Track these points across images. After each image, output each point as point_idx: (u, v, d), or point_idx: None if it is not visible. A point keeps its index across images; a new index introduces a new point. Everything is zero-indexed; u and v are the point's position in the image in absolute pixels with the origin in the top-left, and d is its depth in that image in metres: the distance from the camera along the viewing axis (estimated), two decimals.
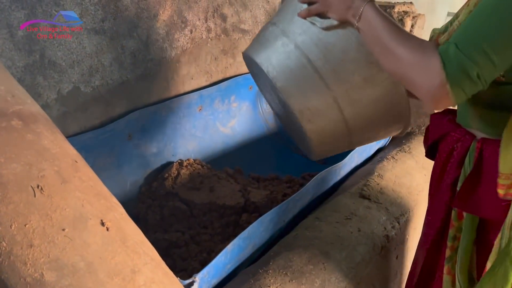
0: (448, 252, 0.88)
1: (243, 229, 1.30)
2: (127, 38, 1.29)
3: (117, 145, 1.30)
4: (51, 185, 0.68)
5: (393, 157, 1.49)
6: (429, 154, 0.98)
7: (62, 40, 1.12)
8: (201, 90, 1.60)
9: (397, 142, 1.63)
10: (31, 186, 0.67)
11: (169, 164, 1.49)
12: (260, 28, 1.88)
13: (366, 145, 1.46)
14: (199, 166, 1.53)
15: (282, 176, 1.68)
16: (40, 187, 0.67)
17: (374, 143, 1.51)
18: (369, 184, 1.28)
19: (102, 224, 0.69)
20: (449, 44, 0.69)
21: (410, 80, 0.72)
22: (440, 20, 3.87)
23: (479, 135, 0.84)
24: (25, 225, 0.63)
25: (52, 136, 0.76)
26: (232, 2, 1.68)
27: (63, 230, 0.65)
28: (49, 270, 0.61)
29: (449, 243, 0.87)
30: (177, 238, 1.23)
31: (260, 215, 1.32)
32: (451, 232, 0.87)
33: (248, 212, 1.33)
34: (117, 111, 1.32)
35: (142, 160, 1.41)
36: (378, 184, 1.29)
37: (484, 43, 0.67)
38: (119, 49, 1.28)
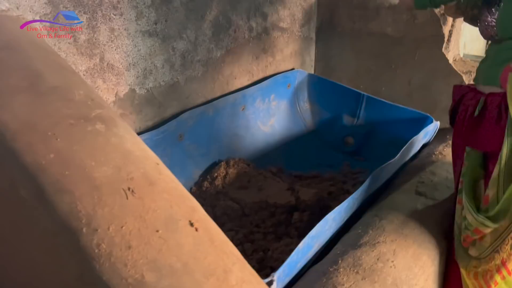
0: (460, 186, 1.02)
1: (296, 227, 1.31)
2: (177, 39, 1.30)
3: (169, 146, 1.32)
4: (140, 187, 0.69)
5: (440, 153, 1.48)
6: (452, 121, 1.12)
7: (120, 42, 1.13)
8: (244, 90, 1.61)
9: (442, 138, 1.61)
10: (123, 189, 0.68)
11: (216, 163, 1.50)
12: (297, 26, 1.88)
13: (414, 140, 1.45)
14: (245, 165, 1.54)
15: (322, 173, 1.68)
16: (131, 190, 0.68)
17: (421, 138, 1.50)
18: (422, 181, 1.26)
19: (191, 224, 0.69)
20: None
21: None
22: None
23: (487, 90, 0.98)
24: (121, 227, 0.64)
25: (133, 139, 0.77)
26: (272, 0, 1.68)
27: (157, 231, 0.65)
28: (149, 271, 0.62)
29: (461, 179, 1.01)
30: (231, 237, 1.23)
31: (311, 214, 1.33)
32: (463, 169, 1.01)
33: (299, 211, 1.33)
34: (169, 112, 1.34)
35: (192, 160, 1.42)
36: (432, 180, 1.27)
37: None
38: (170, 50, 1.29)
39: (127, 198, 0.67)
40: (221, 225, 1.33)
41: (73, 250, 0.64)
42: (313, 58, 2.07)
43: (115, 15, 1.10)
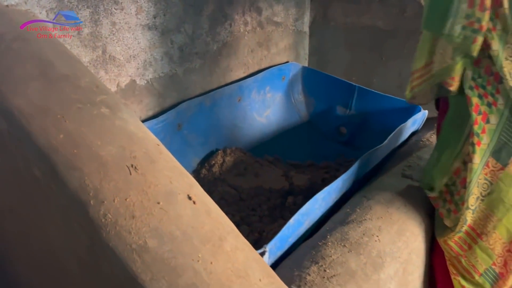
0: None
1: (290, 210, 1.37)
2: (175, 33, 1.36)
3: (169, 135, 1.38)
4: (142, 165, 0.75)
5: (428, 140, 1.54)
6: (437, 106, 1.18)
7: (121, 35, 1.19)
8: (240, 82, 1.67)
9: (430, 126, 1.68)
10: (127, 166, 0.74)
11: (214, 152, 1.56)
12: (291, 20, 1.94)
13: (403, 129, 1.52)
14: (242, 154, 1.60)
15: (317, 162, 1.74)
16: (134, 166, 0.74)
17: (409, 126, 1.56)
18: (409, 165, 1.33)
19: (189, 198, 0.76)
20: None
21: None
22: None
23: None
24: (125, 199, 0.70)
25: (135, 122, 0.84)
26: None
27: (158, 203, 0.72)
28: (151, 238, 0.68)
29: None
30: None
31: (305, 198, 1.39)
32: None
33: (293, 195, 1.40)
34: (168, 102, 1.40)
35: (190, 148, 1.48)
36: (418, 164, 1.34)
37: None
38: (169, 43, 1.35)
39: (130, 174, 0.73)
40: None
41: (82, 221, 0.70)
42: (307, 52, 2.13)
43: (116, 9, 1.16)
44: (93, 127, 0.77)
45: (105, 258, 0.68)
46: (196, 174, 1.47)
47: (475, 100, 0.98)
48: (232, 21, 1.59)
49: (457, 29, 0.92)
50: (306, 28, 2.06)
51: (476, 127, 0.98)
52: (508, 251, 1.04)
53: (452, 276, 1.09)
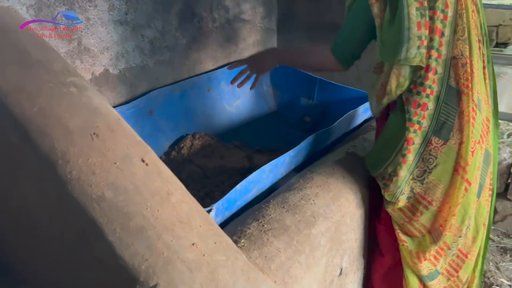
0: None
1: None
2: (146, 28, 1.51)
3: (140, 120, 1.52)
4: (103, 133, 0.89)
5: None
6: None
7: (95, 29, 1.33)
8: (209, 73, 1.81)
9: None
10: (90, 134, 0.88)
11: (183, 137, 1.70)
12: (259, 18, 2.09)
13: (354, 115, 1.67)
14: (210, 139, 1.74)
15: (281, 148, 1.89)
16: (96, 134, 0.88)
17: (361, 112, 1.72)
18: (354, 145, 1.48)
19: (143, 161, 0.90)
20: (334, 44, 1.27)
21: (325, 68, 1.36)
22: None
23: None
24: (87, 160, 0.84)
25: (100, 101, 0.97)
26: None
27: (115, 163, 0.86)
28: (108, 190, 0.82)
29: None
30: (194, 195, 1.44)
31: None
32: None
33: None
34: (139, 91, 1.54)
35: (161, 133, 1.62)
36: (362, 144, 1.49)
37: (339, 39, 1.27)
38: (140, 37, 1.49)
39: (92, 140, 0.87)
40: (186, 186, 1.54)
41: (52, 177, 0.84)
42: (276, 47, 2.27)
43: (90, 6, 1.30)
44: (62, 102, 0.90)
45: (69, 207, 0.82)
46: (166, 156, 1.61)
47: (413, 98, 1.14)
48: (200, 18, 1.74)
49: (413, 51, 1.09)
50: (274, 26, 2.21)
51: (415, 118, 1.14)
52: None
53: (400, 243, 1.24)
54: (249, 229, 1.01)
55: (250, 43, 2.06)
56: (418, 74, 1.14)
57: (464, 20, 1.11)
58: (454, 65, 1.13)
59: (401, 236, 1.23)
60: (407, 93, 1.16)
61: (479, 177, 1.19)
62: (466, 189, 1.15)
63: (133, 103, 1.47)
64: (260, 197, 1.22)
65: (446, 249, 1.21)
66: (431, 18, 1.09)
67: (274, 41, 2.24)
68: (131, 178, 0.85)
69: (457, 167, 1.15)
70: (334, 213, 1.14)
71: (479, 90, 1.15)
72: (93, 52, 1.34)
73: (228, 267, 0.83)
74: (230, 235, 0.98)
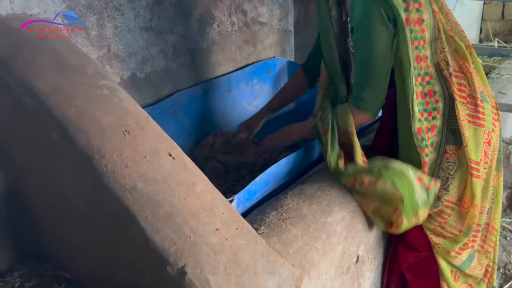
0: None
1: None
2: (169, 33, 1.59)
3: (166, 119, 1.60)
4: (134, 130, 0.97)
5: None
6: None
7: (123, 36, 1.42)
8: (229, 74, 1.89)
9: None
10: (121, 131, 0.96)
11: (206, 135, 1.78)
12: (276, 20, 2.15)
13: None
14: (230, 136, 1.81)
15: (299, 144, 1.94)
16: (127, 131, 0.96)
17: None
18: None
19: (170, 155, 0.97)
20: (360, 99, 1.22)
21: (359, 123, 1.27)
22: (449, 4, 4.01)
23: None
24: (121, 154, 0.92)
25: (129, 101, 1.05)
26: None
27: (145, 157, 0.93)
28: (140, 181, 0.90)
29: None
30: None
31: None
32: None
33: None
34: (164, 93, 1.62)
35: (185, 132, 1.70)
36: None
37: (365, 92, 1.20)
38: (163, 42, 1.57)
39: (124, 136, 0.95)
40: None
41: (89, 170, 0.92)
42: (293, 48, 2.33)
43: (117, 15, 1.39)
44: (96, 103, 0.99)
45: (105, 196, 0.90)
46: (190, 153, 1.69)
47: (421, 124, 1.19)
48: (220, 22, 1.81)
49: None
50: (290, 27, 2.27)
51: (424, 143, 1.19)
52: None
53: (436, 246, 1.28)
54: (268, 217, 1.07)
55: (268, 44, 2.13)
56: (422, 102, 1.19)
57: (442, 36, 1.18)
58: (446, 78, 1.18)
59: (435, 240, 1.27)
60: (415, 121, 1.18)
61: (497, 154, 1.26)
62: (482, 177, 1.20)
63: (159, 104, 1.56)
64: (278, 189, 1.28)
65: (480, 228, 1.26)
66: (417, 48, 1.15)
67: (291, 41, 2.30)
68: (160, 170, 0.93)
69: (470, 167, 1.19)
70: (349, 203, 1.19)
71: (479, 85, 1.20)
72: (121, 57, 1.43)
73: (249, 250, 0.89)
74: (251, 223, 1.04)
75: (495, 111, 1.26)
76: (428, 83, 1.18)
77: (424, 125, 1.19)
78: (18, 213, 1.20)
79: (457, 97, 1.17)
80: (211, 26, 1.77)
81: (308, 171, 1.34)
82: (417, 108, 1.17)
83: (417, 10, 1.13)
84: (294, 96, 1.71)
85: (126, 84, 1.47)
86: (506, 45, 4.98)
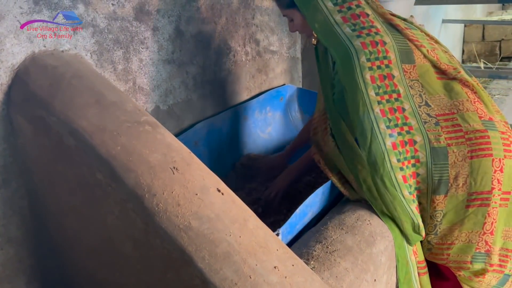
0: None
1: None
2: (189, 65, 1.58)
3: None
4: (181, 167, 0.95)
5: None
6: None
7: (147, 69, 1.40)
8: (245, 103, 1.88)
9: None
10: (170, 168, 0.94)
11: (223, 165, 1.76)
12: (285, 48, 2.17)
13: None
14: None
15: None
16: (175, 168, 0.94)
17: None
18: None
19: (219, 190, 0.95)
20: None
21: None
22: (435, 27, 4.15)
23: None
24: (171, 192, 0.90)
25: (171, 136, 1.03)
26: (262, 29, 1.98)
27: (196, 194, 0.91)
28: (193, 219, 0.87)
29: None
30: None
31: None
32: None
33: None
34: (186, 124, 1.60)
35: (206, 162, 1.67)
36: None
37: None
38: (185, 74, 1.57)
39: (173, 174, 0.93)
40: None
41: (139, 211, 0.89)
42: (301, 75, 2.35)
43: (142, 48, 1.38)
44: (141, 140, 0.96)
45: (157, 237, 0.87)
46: None
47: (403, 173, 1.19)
48: (235, 52, 1.82)
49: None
50: (298, 54, 2.29)
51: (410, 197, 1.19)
52: (483, 233, 1.22)
53: (458, 275, 1.27)
54: (315, 251, 1.05)
55: (278, 72, 2.14)
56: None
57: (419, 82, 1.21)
58: (428, 128, 1.18)
59: (454, 269, 1.27)
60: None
61: None
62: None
63: (181, 136, 1.53)
64: (315, 219, 1.26)
65: (508, 253, 1.25)
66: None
67: (299, 68, 2.32)
68: (212, 207, 0.90)
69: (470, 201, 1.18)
70: (389, 232, 1.18)
71: (484, 113, 1.20)
72: (146, 90, 1.41)
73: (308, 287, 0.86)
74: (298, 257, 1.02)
75: (506, 136, 1.22)
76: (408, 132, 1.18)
77: (405, 172, 1.18)
78: (48, 256, 1.15)
79: (452, 143, 1.17)
80: (227, 56, 1.77)
81: (339, 200, 1.33)
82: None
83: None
84: None
85: None
86: (492, 66, 5.13)
